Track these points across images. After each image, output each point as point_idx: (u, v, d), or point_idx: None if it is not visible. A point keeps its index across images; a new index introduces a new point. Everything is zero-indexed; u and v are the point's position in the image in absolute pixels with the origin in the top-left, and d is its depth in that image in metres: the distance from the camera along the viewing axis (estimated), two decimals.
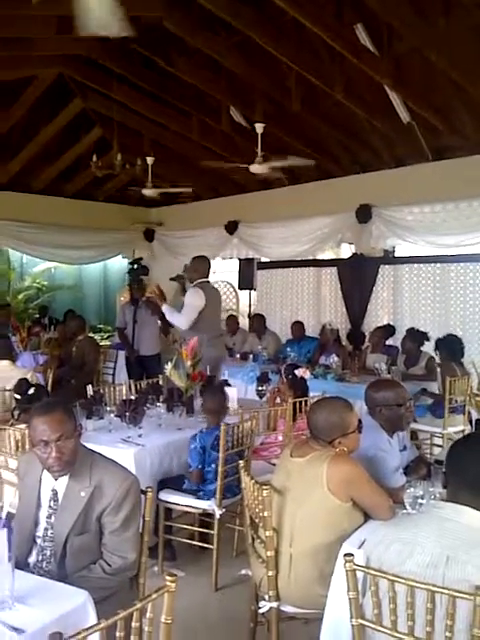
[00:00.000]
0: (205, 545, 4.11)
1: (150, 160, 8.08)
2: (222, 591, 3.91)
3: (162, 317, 7.92)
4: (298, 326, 8.33)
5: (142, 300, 7.75)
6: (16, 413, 4.43)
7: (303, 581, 2.71)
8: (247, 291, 10.86)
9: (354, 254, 8.88)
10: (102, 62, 7.71)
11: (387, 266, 8.63)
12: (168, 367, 5.09)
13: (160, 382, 5.72)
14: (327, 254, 9.89)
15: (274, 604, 2.76)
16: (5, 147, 9.41)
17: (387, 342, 7.35)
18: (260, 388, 5.72)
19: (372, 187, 8.41)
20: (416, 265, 8.34)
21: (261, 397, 5.71)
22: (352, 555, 2.11)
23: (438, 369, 6.29)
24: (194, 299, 6.08)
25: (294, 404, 4.88)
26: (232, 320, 9.34)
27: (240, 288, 11.06)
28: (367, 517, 2.72)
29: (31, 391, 4.45)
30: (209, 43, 6.78)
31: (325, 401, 3.13)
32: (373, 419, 3.25)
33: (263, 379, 5.84)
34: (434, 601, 1.94)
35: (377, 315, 8.65)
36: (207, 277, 6.35)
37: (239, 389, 5.71)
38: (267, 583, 2.76)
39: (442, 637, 1.95)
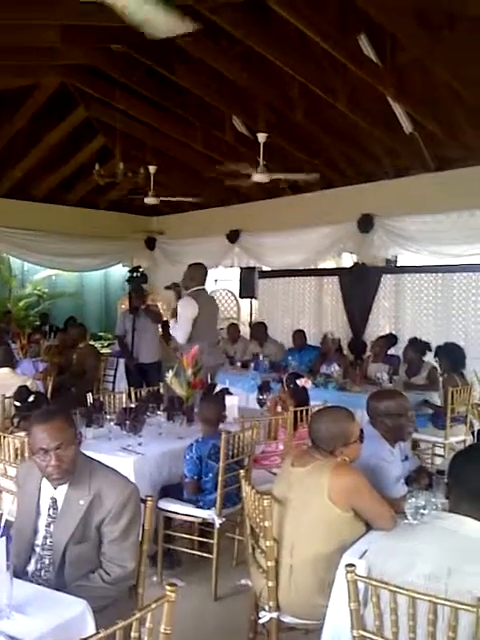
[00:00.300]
0: (205, 554, 4.08)
1: (152, 169, 8.11)
2: (221, 601, 3.88)
3: (163, 325, 7.95)
4: (299, 335, 8.32)
5: (142, 308, 7.77)
6: (16, 420, 4.42)
7: (303, 591, 2.69)
8: (248, 300, 10.87)
9: (356, 263, 8.89)
10: (105, 71, 7.75)
11: (389, 275, 8.64)
12: (169, 375, 5.08)
13: (160, 390, 5.70)
14: (329, 263, 9.90)
15: (274, 614, 2.74)
16: (8, 155, 9.45)
17: (389, 352, 7.33)
18: (261, 397, 5.70)
19: (374, 197, 8.43)
20: (418, 275, 8.35)
21: (262, 406, 5.69)
22: (354, 565, 2.10)
23: (440, 379, 6.27)
24: (185, 310, 6.03)
25: (295, 413, 4.86)
26: (233, 328, 9.34)
27: (241, 297, 11.07)
28: (368, 527, 2.70)
29: (31, 399, 4.44)
30: (212, 53, 6.81)
31: (327, 411, 3.12)
32: (375, 429, 3.24)
33: (264, 388, 5.82)
34: (436, 613, 1.92)
35: (379, 324, 8.64)
36: (203, 285, 6.31)
37: (240, 398, 5.69)
38: (267, 593, 2.74)
39: None
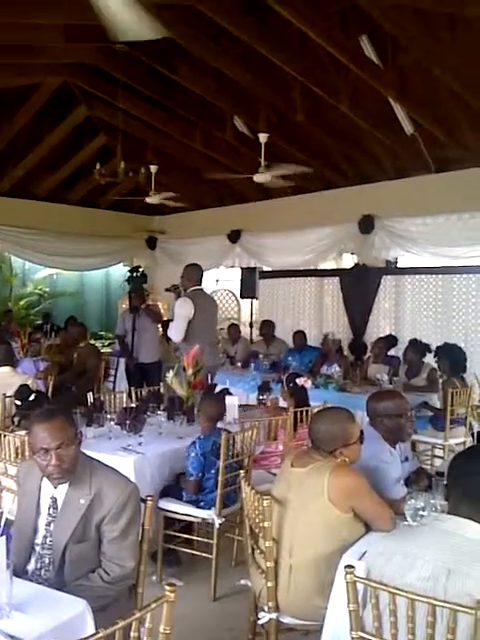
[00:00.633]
0: (204, 554, 4.08)
1: (153, 168, 8.11)
2: (220, 601, 3.88)
3: (163, 325, 7.97)
4: (300, 336, 8.32)
5: (142, 308, 7.77)
6: (16, 419, 4.42)
7: (303, 592, 2.69)
8: (249, 300, 10.87)
9: (356, 264, 8.90)
10: (107, 70, 7.75)
11: (389, 276, 8.64)
12: (169, 375, 5.09)
13: (161, 390, 5.71)
14: (329, 264, 9.90)
15: (273, 615, 2.74)
16: (9, 154, 9.45)
17: (389, 353, 7.34)
18: (261, 397, 5.71)
19: (375, 198, 8.44)
20: (418, 276, 8.36)
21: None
22: (353, 567, 2.10)
23: (440, 380, 6.27)
24: (181, 309, 6.08)
25: (295, 414, 4.87)
26: (233, 329, 9.34)
27: (242, 297, 11.06)
28: (368, 528, 2.70)
29: (31, 398, 4.45)
30: (214, 53, 6.81)
31: (327, 411, 3.12)
32: (374, 430, 3.24)
33: (264, 388, 5.83)
34: (435, 615, 1.92)
35: (379, 325, 8.65)
36: (199, 285, 6.35)
37: (240, 398, 5.69)
38: (266, 594, 2.74)
39: None
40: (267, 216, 9.65)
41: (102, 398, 5.21)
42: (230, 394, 5.18)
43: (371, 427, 3.26)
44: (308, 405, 5.09)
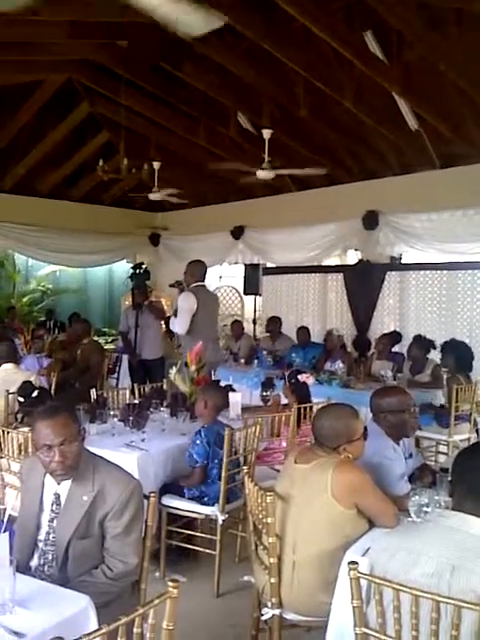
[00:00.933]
0: (207, 551, 4.08)
1: (156, 165, 8.10)
2: (224, 597, 3.87)
3: (166, 321, 7.98)
4: (303, 332, 8.30)
5: (145, 304, 7.77)
6: (19, 416, 4.42)
7: (306, 588, 2.68)
8: (252, 296, 10.86)
9: (360, 260, 8.87)
10: (110, 67, 7.74)
11: (393, 272, 8.62)
12: (172, 372, 5.09)
13: (164, 386, 5.71)
14: (333, 260, 9.88)
15: (277, 611, 2.73)
16: (12, 151, 9.45)
17: (393, 349, 7.32)
18: (264, 393, 5.70)
19: (379, 194, 8.41)
20: (423, 272, 8.34)
21: (265, 403, 5.69)
22: (356, 563, 2.09)
23: (445, 377, 6.24)
24: (184, 303, 6.17)
25: (298, 410, 4.86)
26: (237, 325, 9.33)
27: (245, 293, 11.06)
28: (371, 524, 2.70)
29: (35, 394, 4.44)
30: (217, 49, 6.79)
31: (330, 408, 3.12)
32: (378, 426, 3.23)
33: (267, 384, 5.82)
34: (439, 611, 1.92)
35: (383, 322, 8.63)
36: (203, 281, 6.41)
37: (243, 394, 5.68)
38: (270, 590, 2.74)
39: None
40: (270, 212, 9.63)
41: (105, 395, 5.21)
42: (233, 390, 5.17)
43: (375, 423, 3.25)
44: (310, 401, 5.09)
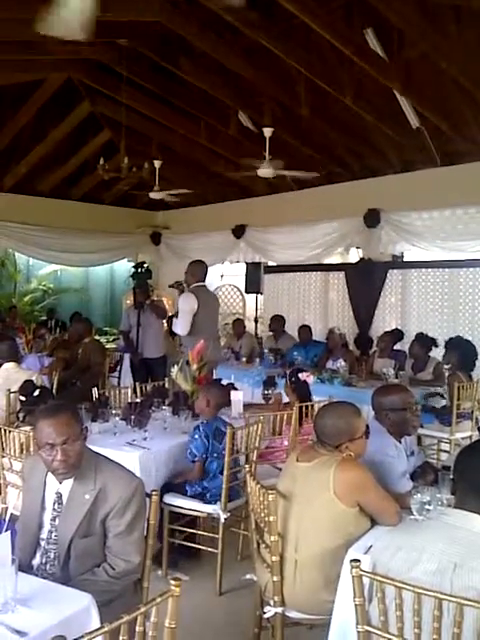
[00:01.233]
0: (209, 549, 4.08)
1: (157, 164, 8.10)
2: (226, 595, 3.88)
3: (168, 320, 7.99)
4: (305, 330, 8.30)
5: (147, 303, 7.77)
6: (21, 415, 4.42)
7: (308, 586, 2.68)
8: (254, 295, 10.85)
9: (362, 258, 8.87)
10: (111, 66, 7.73)
11: (395, 271, 8.62)
12: (174, 370, 5.09)
13: (166, 385, 5.71)
14: (335, 258, 9.87)
15: (279, 609, 2.73)
16: (13, 150, 9.46)
17: (395, 347, 7.31)
18: (266, 392, 5.70)
19: (381, 192, 8.40)
20: (424, 270, 8.33)
21: (267, 401, 5.68)
22: (359, 561, 2.09)
23: (446, 374, 6.23)
24: (185, 303, 6.22)
25: (300, 408, 4.85)
26: (238, 324, 9.32)
27: (247, 292, 11.05)
28: (373, 522, 2.69)
29: (36, 393, 4.44)
30: (217, 47, 6.79)
31: (332, 406, 3.11)
32: (380, 424, 3.23)
33: (269, 383, 5.81)
34: (441, 608, 1.91)
35: (385, 320, 8.62)
36: (203, 281, 6.45)
37: (245, 393, 5.68)
38: (272, 588, 2.74)
39: None
40: (272, 211, 9.63)
41: (107, 393, 5.21)
42: (235, 389, 5.17)
43: (377, 421, 3.25)
44: (310, 400, 5.08)
